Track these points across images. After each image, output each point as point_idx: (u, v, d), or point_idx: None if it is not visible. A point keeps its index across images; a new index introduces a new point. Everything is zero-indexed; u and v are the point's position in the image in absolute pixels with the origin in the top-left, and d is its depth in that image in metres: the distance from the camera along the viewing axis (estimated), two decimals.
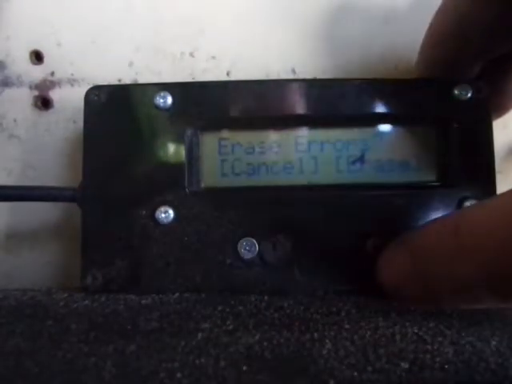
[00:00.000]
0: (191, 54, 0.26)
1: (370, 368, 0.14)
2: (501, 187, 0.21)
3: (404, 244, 0.16)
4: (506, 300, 0.14)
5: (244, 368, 0.14)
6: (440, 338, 0.15)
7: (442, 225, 0.15)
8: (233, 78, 0.25)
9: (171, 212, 0.20)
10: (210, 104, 0.21)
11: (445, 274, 0.14)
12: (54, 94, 0.26)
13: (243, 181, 0.21)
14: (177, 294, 0.20)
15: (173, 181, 0.21)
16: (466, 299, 0.14)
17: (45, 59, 0.26)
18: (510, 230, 0.12)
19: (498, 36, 0.18)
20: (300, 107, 0.21)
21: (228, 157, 0.21)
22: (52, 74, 0.26)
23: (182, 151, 0.21)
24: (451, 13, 0.18)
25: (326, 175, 0.21)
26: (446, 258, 0.14)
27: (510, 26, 0.17)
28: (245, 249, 0.20)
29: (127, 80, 0.25)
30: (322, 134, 0.21)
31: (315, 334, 0.16)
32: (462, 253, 0.14)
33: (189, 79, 0.25)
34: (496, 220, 0.13)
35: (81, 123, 0.21)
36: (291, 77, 0.25)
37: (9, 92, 0.26)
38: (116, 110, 0.21)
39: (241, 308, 0.18)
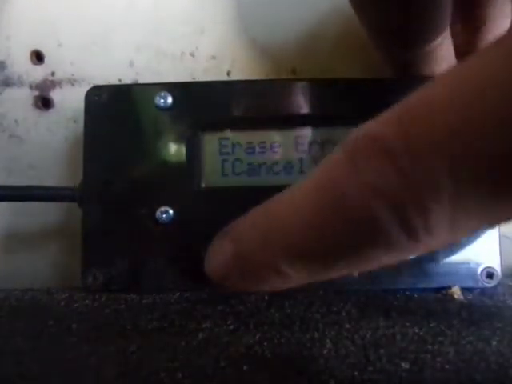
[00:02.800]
0: (191, 54, 0.26)
1: (370, 368, 0.14)
2: None
3: (227, 233, 0.16)
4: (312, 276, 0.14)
5: (244, 368, 0.14)
6: (441, 338, 0.15)
7: (255, 210, 0.15)
8: (233, 78, 0.25)
9: (171, 212, 0.20)
10: (210, 104, 0.21)
11: (259, 256, 0.14)
12: (55, 94, 0.26)
13: (244, 181, 0.21)
14: (177, 294, 0.20)
15: (173, 181, 0.21)
16: (276, 281, 0.14)
17: (45, 59, 0.26)
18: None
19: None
20: (300, 107, 0.21)
21: (228, 157, 0.21)
22: (52, 74, 0.26)
23: (183, 151, 0.21)
24: None
25: None
26: (259, 238, 0.14)
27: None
28: None
29: (128, 80, 0.25)
30: (322, 134, 0.21)
31: (316, 334, 0.16)
32: (271, 232, 0.14)
33: (189, 79, 0.25)
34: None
35: (81, 123, 0.21)
36: (291, 77, 0.25)
37: (9, 92, 0.26)
38: (116, 110, 0.21)
39: (241, 308, 0.18)
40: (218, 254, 0.16)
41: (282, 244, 0.13)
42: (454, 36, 0.20)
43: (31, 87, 0.26)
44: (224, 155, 0.21)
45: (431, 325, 0.17)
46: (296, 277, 0.14)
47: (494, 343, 0.15)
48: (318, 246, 0.13)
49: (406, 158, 0.11)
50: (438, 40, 0.19)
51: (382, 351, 0.15)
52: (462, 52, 0.21)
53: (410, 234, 0.12)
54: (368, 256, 0.13)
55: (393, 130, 0.11)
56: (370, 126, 0.12)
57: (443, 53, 0.20)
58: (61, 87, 0.26)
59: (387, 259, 0.13)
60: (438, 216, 0.11)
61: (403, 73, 0.21)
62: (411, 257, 0.20)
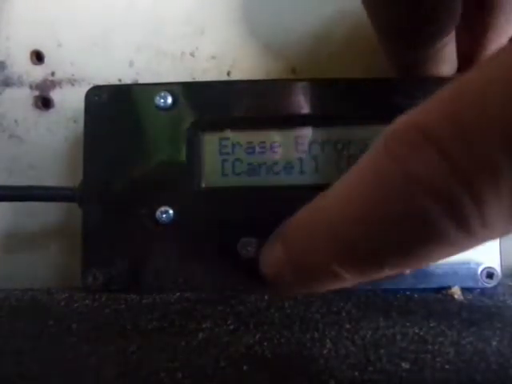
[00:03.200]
0: (191, 54, 0.26)
1: (370, 368, 0.14)
2: None
3: (278, 233, 0.16)
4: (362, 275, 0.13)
5: (244, 368, 0.14)
6: (441, 339, 0.15)
7: (303, 208, 0.15)
8: (233, 77, 0.25)
9: (171, 212, 0.20)
10: (210, 104, 0.21)
11: (309, 253, 0.14)
12: (55, 94, 0.26)
13: (244, 181, 0.21)
14: (177, 294, 0.20)
15: (173, 181, 0.21)
16: (329, 281, 0.14)
17: (45, 59, 0.26)
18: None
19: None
20: (300, 107, 0.21)
21: (228, 157, 0.21)
22: (52, 74, 0.26)
23: (183, 151, 0.21)
24: None
25: (327, 175, 0.21)
26: (307, 236, 0.14)
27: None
28: (245, 249, 0.20)
29: (128, 80, 0.25)
30: (322, 134, 0.21)
31: (316, 334, 0.16)
32: (317, 229, 0.14)
33: (189, 79, 0.25)
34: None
35: (81, 123, 0.21)
36: (291, 77, 0.25)
37: (9, 92, 0.26)
38: (116, 110, 0.21)
39: (241, 308, 0.18)
40: (271, 254, 0.16)
41: (329, 240, 0.13)
42: (457, 37, 0.20)
43: (31, 87, 0.26)
44: (224, 155, 0.21)
45: (431, 325, 0.17)
46: (347, 276, 0.13)
47: (494, 343, 0.15)
48: (364, 242, 0.12)
49: (455, 145, 0.10)
50: (445, 40, 0.19)
51: (382, 351, 0.15)
52: (463, 54, 0.21)
53: (464, 227, 0.11)
54: (418, 253, 0.12)
55: (439, 117, 0.11)
56: (410, 117, 0.11)
57: (448, 53, 0.20)
58: (61, 87, 0.26)
59: (440, 255, 0.12)
60: (496, 204, 0.10)
61: (407, 73, 0.21)
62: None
